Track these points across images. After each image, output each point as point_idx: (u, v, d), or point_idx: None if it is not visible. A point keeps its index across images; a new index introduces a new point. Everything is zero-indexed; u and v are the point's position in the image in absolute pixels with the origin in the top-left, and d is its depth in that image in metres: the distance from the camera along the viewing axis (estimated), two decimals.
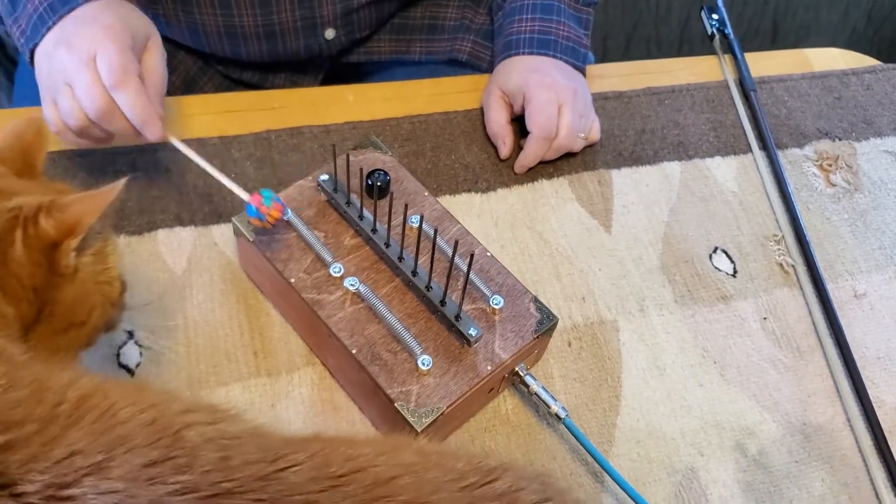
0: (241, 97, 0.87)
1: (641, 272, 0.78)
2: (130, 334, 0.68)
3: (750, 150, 0.88)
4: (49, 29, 0.68)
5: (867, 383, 0.72)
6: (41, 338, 0.48)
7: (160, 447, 0.36)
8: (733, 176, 0.86)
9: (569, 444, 0.67)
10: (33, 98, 0.89)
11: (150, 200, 0.76)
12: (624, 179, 0.84)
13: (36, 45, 0.69)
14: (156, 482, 0.35)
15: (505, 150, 0.83)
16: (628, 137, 0.87)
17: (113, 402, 0.38)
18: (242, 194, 0.63)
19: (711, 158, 0.87)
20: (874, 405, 0.71)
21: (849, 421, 0.71)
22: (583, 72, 0.87)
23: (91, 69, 0.64)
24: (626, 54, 1.49)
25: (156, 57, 0.70)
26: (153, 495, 0.34)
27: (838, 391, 0.72)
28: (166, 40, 0.93)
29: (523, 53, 0.85)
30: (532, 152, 0.81)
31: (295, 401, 0.67)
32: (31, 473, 0.34)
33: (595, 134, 0.84)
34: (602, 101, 0.90)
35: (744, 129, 0.89)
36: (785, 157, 0.88)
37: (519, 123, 0.84)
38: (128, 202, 0.75)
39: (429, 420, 0.58)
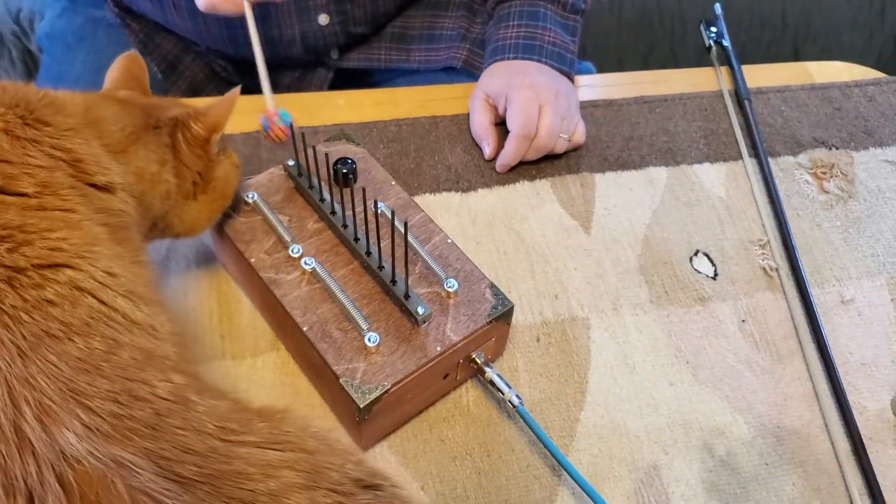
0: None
1: (618, 272, 0.77)
2: None
3: (741, 157, 0.86)
4: None
5: (849, 388, 0.69)
6: (204, 204, 0.64)
7: None
8: (721, 182, 0.84)
9: (528, 437, 0.66)
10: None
11: None
12: (608, 183, 0.84)
13: None
14: None
15: (489, 150, 0.83)
16: (615, 143, 0.87)
17: None
18: (269, 100, 0.74)
19: (700, 165, 0.86)
20: (856, 411, 0.68)
21: (826, 426, 0.68)
22: (570, 77, 0.87)
23: None
24: None
25: None
26: None
27: (817, 395, 0.69)
28: (172, 42, 0.98)
29: (509, 58, 0.86)
30: (512, 151, 0.81)
31: (257, 384, 0.68)
32: None
33: (579, 136, 0.84)
34: (591, 109, 0.90)
35: (736, 137, 0.88)
36: (777, 165, 0.86)
37: (504, 127, 0.84)
38: None
39: (372, 396, 0.58)
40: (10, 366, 0.42)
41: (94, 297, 0.47)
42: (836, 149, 0.88)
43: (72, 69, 0.98)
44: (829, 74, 0.97)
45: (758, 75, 0.95)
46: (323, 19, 0.91)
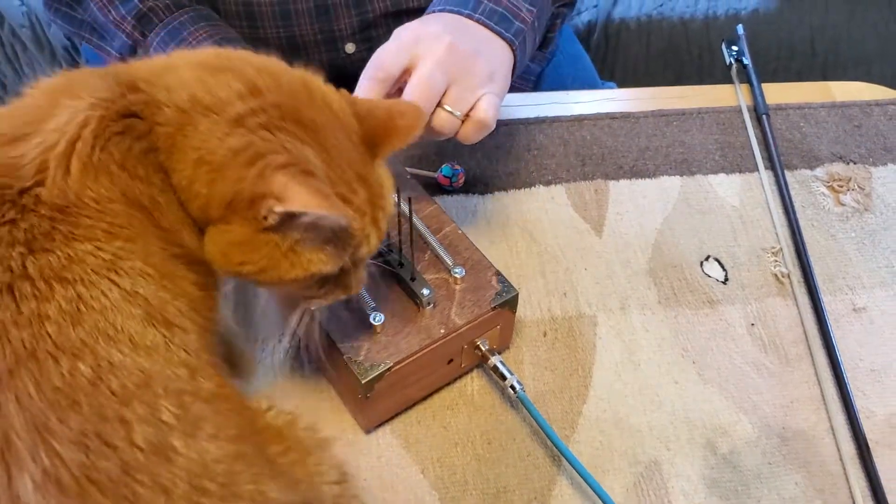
0: None
1: (627, 274, 0.77)
2: None
3: (756, 169, 0.87)
4: None
5: (857, 394, 0.69)
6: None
7: None
8: (736, 192, 0.85)
9: (529, 427, 0.67)
10: None
11: None
12: (621, 190, 0.85)
13: None
14: None
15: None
16: (631, 153, 0.88)
17: None
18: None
19: (715, 175, 0.87)
20: (863, 416, 0.68)
21: (832, 429, 0.67)
22: (512, 46, 0.72)
23: None
24: None
25: None
26: None
27: (824, 399, 0.69)
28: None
29: (437, 10, 0.72)
30: (360, 90, 0.65)
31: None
32: None
33: (481, 113, 0.65)
34: (608, 120, 0.92)
35: (752, 150, 0.89)
36: (793, 177, 0.86)
37: None
38: None
39: (374, 374, 0.60)
40: None
41: (101, 316, 0.43)
42: (854, 163, 0.88)
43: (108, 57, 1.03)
44: (850, 94, 0.97)
45: (779, 93, 0.96)
46: (349, 48, 0.93)
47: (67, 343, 0.41)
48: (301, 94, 0.52)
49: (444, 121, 0.65)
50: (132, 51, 0.84)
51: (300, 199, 0.46)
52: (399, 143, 0.57)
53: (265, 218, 0.48)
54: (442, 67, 0.64)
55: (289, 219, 0.48)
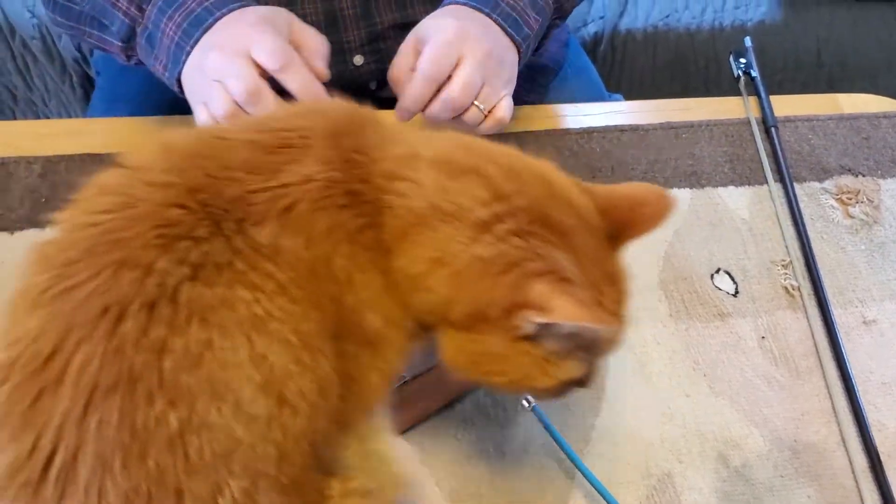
0: None
1: (638, 287, 0.76)
2: None
3: (766, 181, 0.88)
4: (188, 54, 0.71)
5: (869, 407, 0.69)
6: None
7: None
8: (746, 205, 0.86)
9: (543, 440, 0.67)
10: (104, 113, 0.99)
11: None
12: None
13: (179, 72, 0.73)
14: None
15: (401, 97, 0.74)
16: (640, 165, 0.89)
17: None
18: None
19: (724, 188, 0.87)
20: (875, 429, 0.68)
21: (843, 442, 0.68)
22: (518, 51, 0.79)
23: (242, 59, 0.66)
24: None
25: (306, 30, 0.72)
26: None
27: (835, 412, 0.69)
28: None
29: (460, 2, 0.78)
30: (414, 93, 0.71)
31: None
32: None
33: (502, 112, 0.74)
34: (617, 133, 0.92)
35: (761, 163, 0.89)
36: (802, 190, 0.87)
37: None
38: None
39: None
40: (73, 401, 0.39)
41: (220, 370, 0.41)
42: (863, 176, 0.89)
43: (126, 90, 1.03)
44: (857, 106, 0.98)
45: (787, 106, 0.96)
46: (358, 60, 0.94)
47: (172, 386, 0.40)
48: (545, 193, 0.50)
49: (475, 117, 0.73)
50: (130, 31, 0.77)
51: (564, 310, 0.45)
52: (642, 232, 0.55)
53: (520, 327, 0.46)
54: (481, 70, 0.71)
55: (546, 329, 0.46)
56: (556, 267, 0.47)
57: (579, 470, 0.63)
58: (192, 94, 0.73)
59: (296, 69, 0.67)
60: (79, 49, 1.39)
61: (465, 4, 0.78)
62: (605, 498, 0.62)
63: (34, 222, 0.78)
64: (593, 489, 0.63)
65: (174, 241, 0.43)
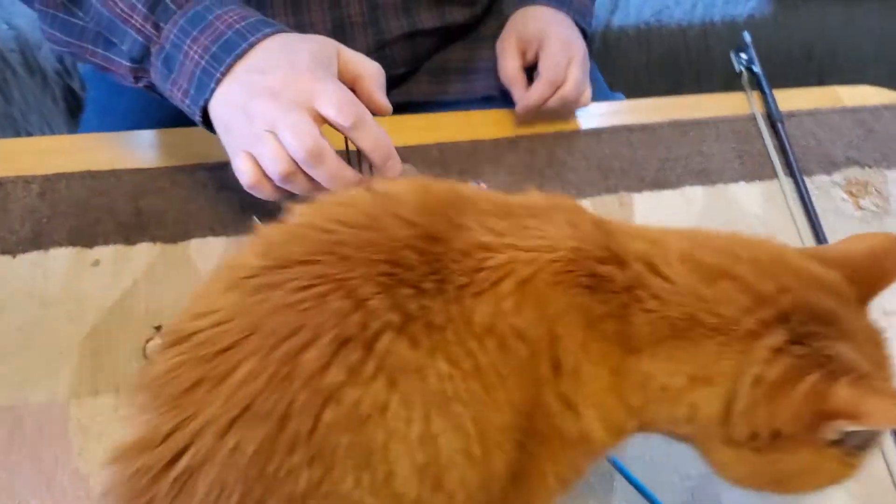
0: None
1: None
2: (158, 329, 0.72)
3: (776, 176, 0.88)
4: (218, 82, 0.64)
5: None
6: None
7: None
8: (758, 201, 0.86)
9: None
10: (98, 127, 0.96)
11: (186, 213, 0.80)
12: (646, 201, 0.85)
13: (206, 100, 0.66)
14: None
15: (519, 94, 0.89)
16: (651, 164, 0.89)
17: None
18: None
19: (735, 183, 0.87)
20: None
21: None
22: (587, 39, 0.93)
23: (302, 111, 0.61)
24: None
25: (358, 58, 0.68)
26: None
27: None
28: None
29: (542, 3, 0.92)
30: (538, 94, 0.86)
31: None
32: None
33: (587, 98, 0.90)
34: (626, 133, 0.92)
35: (770, 158, 0.89)
36: (812, 183, 0.87)
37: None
38: (165, 213, 0.80)
39: None
40: (222, 410, 0.37)
41: (383, 437, 0.37)
42: (870, 167, 0.89)
43: (120, 103, 1.00)
44: (858, 98, 0.99)
45: (788, 100, 0.97)
46: None
47: (321, 441, 0.36)
48: (800, 282, 0.46)
49: (586, 99, 0.89)
50: (144, 51, 0.70)
51: (880, 413, 0.40)
52: (888, 286, 0.51)
53: (826, 437, 0.43)
54: (582, 68, 0.87)
55: (852, 431, 0.43)
56: (848, 363, 0.43)
57: (621, 473, 0.63)
58: (229, 136, 0.66)
59: (368, 126, 0.62)
60: (60, 61, 1.36)
61: (547, 5, 0.91)
62: (650, 500, 0.61)
63: (37, 244, 0.75)
64: (638, 493, 0.62)
65: (398, 284, 0.39)
